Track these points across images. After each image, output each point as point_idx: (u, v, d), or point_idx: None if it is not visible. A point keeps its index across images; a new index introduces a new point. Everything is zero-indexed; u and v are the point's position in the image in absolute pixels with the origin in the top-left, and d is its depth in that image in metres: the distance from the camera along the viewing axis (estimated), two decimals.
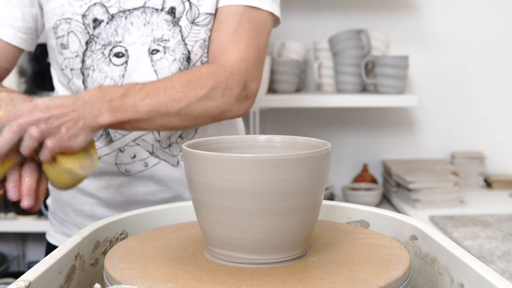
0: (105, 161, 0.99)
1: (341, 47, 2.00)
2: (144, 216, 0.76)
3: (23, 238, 2.31)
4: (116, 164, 0.99)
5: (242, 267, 0.58)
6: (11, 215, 2.03)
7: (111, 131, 0.98)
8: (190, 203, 0.75)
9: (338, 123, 2.25)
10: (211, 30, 0.96)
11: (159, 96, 0.85)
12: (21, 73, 1.99)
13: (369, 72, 2.03)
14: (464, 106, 2.24)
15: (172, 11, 0.95)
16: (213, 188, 0.56)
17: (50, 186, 1.02)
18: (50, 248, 1.09)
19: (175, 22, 0.95)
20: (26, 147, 0.72)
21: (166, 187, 1.01)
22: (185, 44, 0.95)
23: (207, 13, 0.95)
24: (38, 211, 2.00)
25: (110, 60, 0.95)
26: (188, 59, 0.96)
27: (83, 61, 0.96)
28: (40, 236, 2.28)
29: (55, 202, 1.08)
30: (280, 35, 2.18)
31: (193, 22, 0.95)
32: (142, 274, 0.55)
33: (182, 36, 0.95)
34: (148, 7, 0.94)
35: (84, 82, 0.96)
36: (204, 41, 0.96)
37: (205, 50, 0.97)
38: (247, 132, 2.09)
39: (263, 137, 0.69)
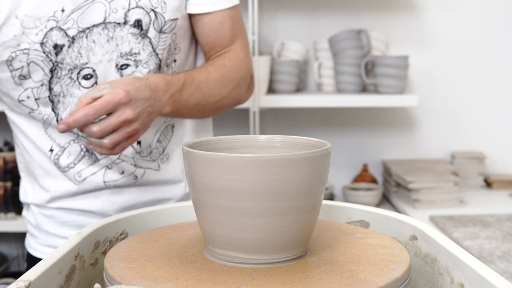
0: (91, 181, 0.97)
1: (341, 47, 2.00)
2: (144, 216, 0.76)
3: (23, 238, 2.31)
4: (104, 182, 0.97)
5: (242, 267, 0.58)
6: (11, 215, 2.03)
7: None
8: (190, 203, 0.75)
9: (338, 123, 2.25)
10: (175, 33, 0.95)
11: (203, 91, 0.93)
12: None
13: (369, 72, 2.03)
14: (464, 106, 2.24)
15: (138, 24, 0.91)
16: (213, 188, 0.56)
17: (30, 198, 1.03)
18: (34, 261, 1.04)
19: (143, 34, 0.92)
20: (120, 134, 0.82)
21: (154, 190, 1.01)
22: (156, 54, 0.94)
23: (172, 19, 0.94)
24: None
25: (80, 83, 0.91)
26: (159, 67, 0.96)
27: (50, 89, 0.91)
28: None
29: (39, 215, 1.03)
30: (280, 35, 2.18)
31: (160, 31, 0.93)
32: (142, 274, 0.55)
33: (152, 47, 0.93)
34: (110, 22, 0.90)
35: (54, 109, 0.92)
36: (170, 45, 0.96)
37: (170, 53, 0.97)
38: (247, 132, 2.09)
39: (263, 137, 0.69)
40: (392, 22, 2.19)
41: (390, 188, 2.10)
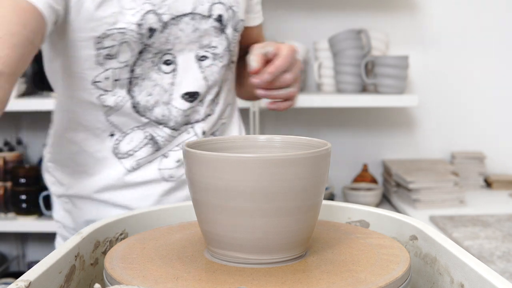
0: (147, 168, 0.97)
1: (341, 47, 2.00)
2: (144, 216, 0.76)
3: (23, 238, 2.31)
4: (159, 169, 0.97)
5: (242, 267, 0.58)
6: (11, 215, 2.03)
7: (159, 138, 0.96)
8: (190, 203, 0.75)
9: (338, 123, 2.25)
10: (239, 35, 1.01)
11: None
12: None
13: (369, 72, 2.03)
14: (464, 106, 2.24)
15: (220, 19, 0.95)
16: (213, 188, 0.56)
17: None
18: None
19: (222, 29, 0.96)
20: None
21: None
22: (230, 51, 0.98)
23: (241, 20, 0.99)
24: (38, 212, 2.01)
25: (160, 68, 0.93)
26: (230, 63, 1.01)
27: (131, 71, 0.91)
28: (40, 236, 2.28)
29: (66, 214, 1.03)
30: (280, 35, 2.18)
31: (235, 29, 0.98)
32: (142, 274, 0.55)
33: (228, 43, 0.97)
34: (197, 13, 0.93)
35: (129, 91, 0.92)
36: (236, 45, 1.00)
37: (234, 53, 1.02)
38: (247, 132, 2.10)
39: (263, 137, 0.69)
40: (392, 22, 2.19)
41: (390, 188, 2.10)
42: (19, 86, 1.97)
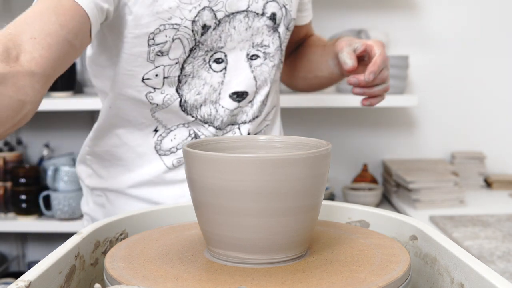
0: None
1: None
2: (144, 216, 0.76)
3: (23, 238, 2.31)
4: None
5: (242, 267, 0.58)
6: (11, 215, 2.03)
7: (203, 137, 0.93)
8: (190, 203, 0.75)
9: (338, 123, 2.25)
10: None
11: None
12: None
13: None
14: (464, 106, 2.24)
15: (273, 17, 0.93)
16: (213, 188, 0.56)
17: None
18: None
19: (275, 28, 0.94)
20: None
21: None
22: (281, 50, 0.97)
23: (293, 18, 0.98)
24: (38, 212, 2.01)
25: (210, 66, 0.91)
26: (280, 63, 0.99)
27: (182, 68, 0.89)
28: (40, 236, 2.28)
29: (97, 208, 1.02)
30: None
31: (287, 28, 0.97)
32: (142, 274, 0.55)
33: (280, 42, 0.96)
34: (251, 11, 0.91)
35: (178, 89, 0.90)
36: (287, 44, 1.00)
37: (285, 52, 1.02)
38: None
39: (263, 137, 0.69)
40: (392, 22, 2.19)
41: (390, 188, 2.10)
42: None
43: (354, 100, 1.94)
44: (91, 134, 1.03)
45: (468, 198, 2.00)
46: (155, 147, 0.95)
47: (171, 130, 0.94)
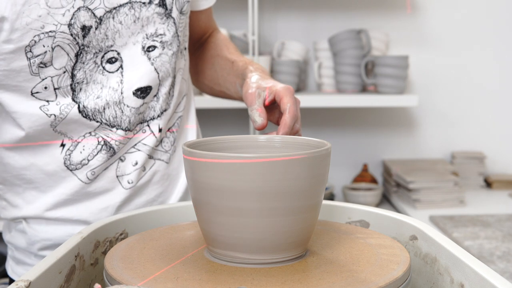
0: (105, 176, 0.89)
1: (341, 47, 2.00)
2: (144, 216, 0.76)
3: None
4: (117, 177, 0.90)
5: (242, 267, 0.58)
6: None
7: (113, 142, 0.88)
8: (190, 203, 0.75)
9: (338, 123, 2.25)
10: (187, 18, 0.95)
11: None
12: None
13: (369, 72, 2.03)
14: (464, 106, 2.24)
15: (163, 3, 0.88)
16: (213, 188, 0.56)
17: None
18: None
19: (168, 14, 0.89)
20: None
21: (162, 188, 0.95)
22: (178, 36, 0.91)
23: (187, 1, 0.92)
24: None
25: (104, 68, 0.85)
26: (179, 51, 0.93)
27: (72, 76, 0.83)
28: None
29: (18, 234, 0.94)
30: (280, 35, 2.18)
31: (181, 12, 0.91)
32: (142, 274, 0.55)
33: (176, 28, 0.91)
34: (135, 2, 0.85)
35: (74, 99, 0.84)
36: (184, 29, 0.94)
37: (184, 38, 0.96)
38: (247, 132, 2.09)
39: (263, 137, 0.69)
40: (392, 22, 2.19)
41: (390, 188, 2.10)
42: None
43: (354, 100, 1.94)
44: None
45: (468, 198, 2.00)
46: (65, 163, 0.88)
47: (78, 142, 0.88)
